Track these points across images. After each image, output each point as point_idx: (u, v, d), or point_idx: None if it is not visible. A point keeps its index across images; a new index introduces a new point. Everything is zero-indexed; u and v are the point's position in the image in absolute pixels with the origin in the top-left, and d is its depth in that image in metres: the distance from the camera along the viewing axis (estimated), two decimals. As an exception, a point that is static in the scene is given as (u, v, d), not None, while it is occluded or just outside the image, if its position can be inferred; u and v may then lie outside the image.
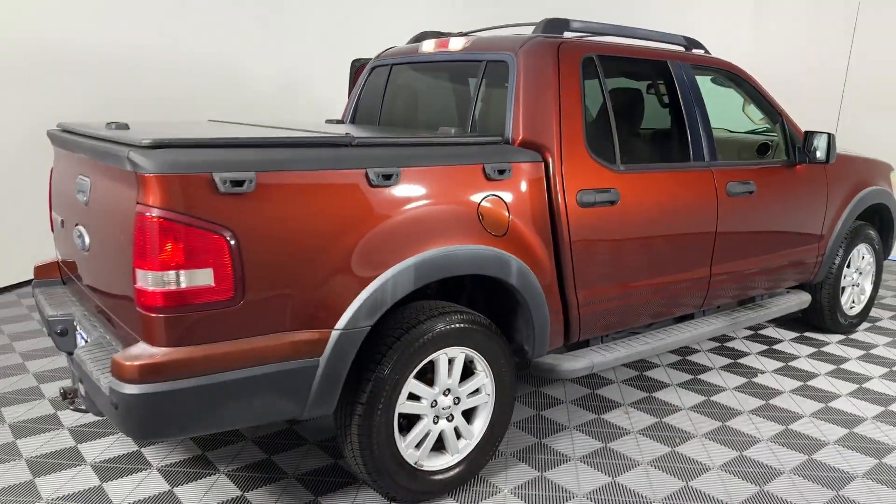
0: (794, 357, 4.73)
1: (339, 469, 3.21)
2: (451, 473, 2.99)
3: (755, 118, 4.82)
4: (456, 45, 3.66)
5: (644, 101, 4.02)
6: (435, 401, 2.88)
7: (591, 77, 3.41)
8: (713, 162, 3.85)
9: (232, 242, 2.36)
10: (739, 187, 3.93)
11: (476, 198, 2.92)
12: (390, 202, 2.69)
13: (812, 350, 4.86)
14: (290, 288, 2.49)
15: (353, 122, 4.34)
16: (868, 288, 5.25)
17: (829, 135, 4.18)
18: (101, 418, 3.10)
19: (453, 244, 2.80)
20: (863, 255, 5.10)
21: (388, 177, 2.67)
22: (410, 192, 2.75)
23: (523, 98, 3.20)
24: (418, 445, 2.89)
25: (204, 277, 2.32)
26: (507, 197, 3.01)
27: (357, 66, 5.88)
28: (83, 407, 2.90)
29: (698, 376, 4.35)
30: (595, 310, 3.39)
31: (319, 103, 7.07)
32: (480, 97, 3.49)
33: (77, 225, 2.91)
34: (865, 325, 5.42)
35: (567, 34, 3.52)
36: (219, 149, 2.42)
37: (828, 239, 4.66)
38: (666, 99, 3.92)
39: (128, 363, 2.30)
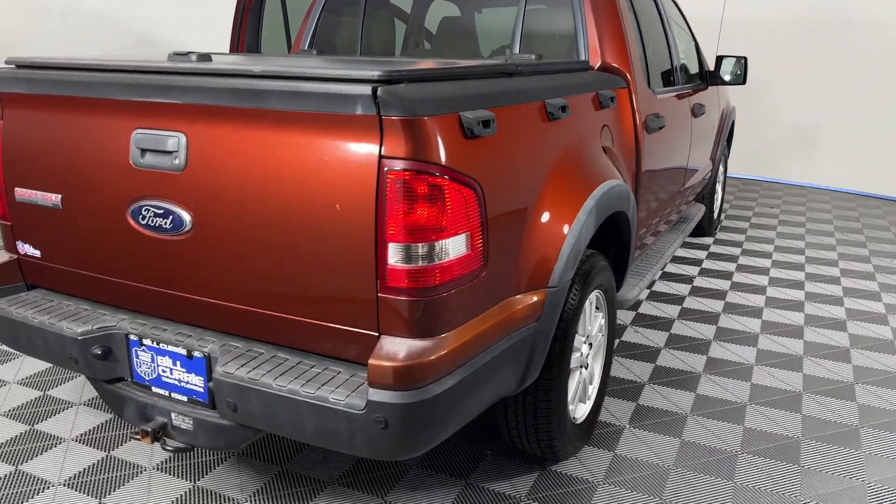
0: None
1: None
2: (586, 420, 2.86)
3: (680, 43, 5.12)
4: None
5: (661, 25, 3.99)
6: (580, 349, 2.70)
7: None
8: (684, 85, 4.06)
9: (481, 199, 1.91)
10: (699, 108, 4.21)
11: (598, 129, 2.73)
12: (567, 138, 2.40)
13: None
14: (516, 246, 2.12)
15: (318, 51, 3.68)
16: (721, 194, 6.05)
17: (745, 58, 4.65)
18: (185, 450, 2.27)
19: (606, 181, 2.59)
20: (721, 170, 5.85)
21: (563, 108, 2.36)
22: (574, 125, 2.47)
23: (599, 19, 3.01)
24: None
25: (460, 245, 1.86)
26: (613, 126, 2.86)
27: None
28: (182, 443, 2.19)
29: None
30: (641, 238, 3.43)
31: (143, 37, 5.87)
32: (525, 19, 3.20)
33: (144, 200, 2.09)
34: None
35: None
36: (458, 82, 1.91)
37: (716, 153, 5.24)
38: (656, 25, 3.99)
39: (399, 365, 1.77)
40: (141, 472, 2.64)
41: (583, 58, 3.03)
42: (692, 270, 5.00)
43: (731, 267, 5.10)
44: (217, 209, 2.00)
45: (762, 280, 4.84)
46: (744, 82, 4.69)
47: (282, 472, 2.65)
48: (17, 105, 2.32)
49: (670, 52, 3.93)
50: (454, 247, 1.82)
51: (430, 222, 1.76)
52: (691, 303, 4.38)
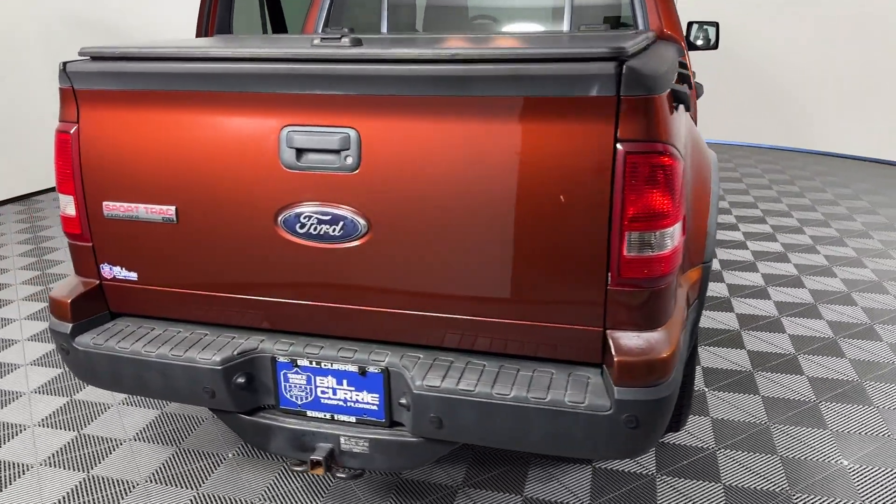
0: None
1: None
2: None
3: None
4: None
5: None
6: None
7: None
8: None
9: (687, 181, 1.87)
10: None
11: (685, 99, 2.74)
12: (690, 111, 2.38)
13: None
14: (690, 224, 2.08)
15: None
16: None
17: (717, 23, 4.80)
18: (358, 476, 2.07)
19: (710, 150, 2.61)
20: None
21: (687, 79, 2.34)
22: (691, 97, 2.46)
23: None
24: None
25: (679, 230, 1.81)
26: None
27: None
28: (355, 468, 2.01)
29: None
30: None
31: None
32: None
33: (301, 206, 1.85)
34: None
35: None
36: (656, 57, 1.83)
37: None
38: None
39: (650, 360, 1.70)
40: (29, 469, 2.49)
41: (641, 27, 3.01)
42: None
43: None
44: (399, 210, 1.81)
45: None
46: (716, 48, 4.87)
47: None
48: (99, 105, 1.97)
49: None
50: (678, 232, 1.77)
51: (664, 208, 1.69)
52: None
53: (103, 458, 2.67)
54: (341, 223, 1.84)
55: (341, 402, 1.98)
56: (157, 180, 1.97)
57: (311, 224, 1.86)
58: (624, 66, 1.59)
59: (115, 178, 2.00)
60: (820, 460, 2.59)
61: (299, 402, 2.01)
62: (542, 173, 1.70)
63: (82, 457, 2.68)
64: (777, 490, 2.43)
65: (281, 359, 1.98)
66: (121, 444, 2.75)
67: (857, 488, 2.43)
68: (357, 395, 1.96)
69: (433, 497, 2.45)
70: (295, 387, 2.00)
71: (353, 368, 1.94)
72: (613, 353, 1.72)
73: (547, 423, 1.75)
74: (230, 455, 2.67)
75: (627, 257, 1.69)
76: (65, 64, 1.96)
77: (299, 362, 1.97)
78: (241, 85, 1.84)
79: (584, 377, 1.81)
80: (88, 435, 2.82)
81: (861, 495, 2.40)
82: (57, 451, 2.71)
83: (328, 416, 2.00)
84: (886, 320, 3.73)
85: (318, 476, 2.53)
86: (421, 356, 1.91)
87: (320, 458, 1.95)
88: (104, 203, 2.02)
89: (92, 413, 2.97)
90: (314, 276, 1.92)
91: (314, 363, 1.96)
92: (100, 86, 1.95)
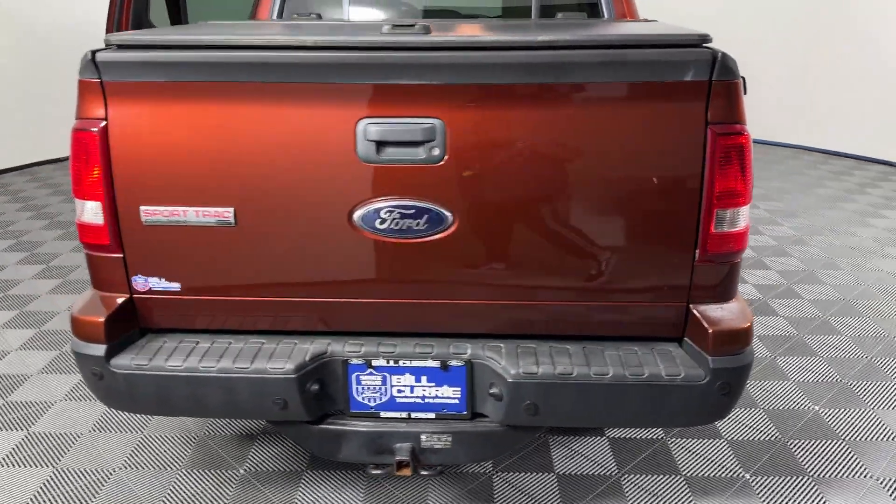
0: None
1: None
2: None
3: None
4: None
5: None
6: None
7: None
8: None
9: None
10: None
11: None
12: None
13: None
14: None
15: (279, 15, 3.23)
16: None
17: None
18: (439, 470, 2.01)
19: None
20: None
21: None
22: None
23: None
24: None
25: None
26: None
27: None
28: (438, 464, 1.98)
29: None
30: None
31: None
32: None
33: (381, 201, 1.78)
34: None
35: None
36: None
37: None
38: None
39: (740, 329, 1.83)
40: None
41: (607, 15, 3.13)
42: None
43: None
44: (485, 200, 1.79)
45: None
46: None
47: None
48: (134, 98, 1.77)
49: None
50: (749, 209, 1.88)
51: (743, 186, 1.80)
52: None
53: None
54: (426, 216, 1.79)
55: (419, 400, 1.93)
56: (211, 181, 1.80)
57: (394, 218, 1.79)
58: (719, 53, 1.67)
59: (155, 179, 1.81)
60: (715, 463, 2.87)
61: (372, 405, 1.94)
62: (635, 157, 1.75)
63: None
64: (729, 475, 2.68)
65: (354, 361, 1.90)
66: None
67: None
68: (437, 391, 1.92)
69: (473, 485, 2.45)
70: (368, 388, 1.93)
71: (433, 364, 1.89)
72: (706, 325, 1.81)
73: (644, 397, 1.82)
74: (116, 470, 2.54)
75: (714, 234, 1.79)
76: (94, 53, 1.74)
77: (374, 363, 1.90)
78: (312, 76, 1.73)
79: (667, 351, 1.90)
80: None
81: (806, 468, 2.70)
82: None
83: (404, 415, 1.95)
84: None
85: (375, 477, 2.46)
86: (502, 345, 1.91)
87: (407, 459, 1.90)
88: (142, 208, 1.82)
89: None
90: (394, 272, 1.86)
91: (391, 362, 1.90)
92: (136, 77, 1.75)
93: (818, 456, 2.59)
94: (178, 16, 4.75)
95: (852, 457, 2.57)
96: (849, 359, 3.25)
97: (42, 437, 2.71)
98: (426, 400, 1.93)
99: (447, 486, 2.44)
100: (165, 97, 1.76)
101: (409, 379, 1.92)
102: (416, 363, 1.90)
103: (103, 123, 1.78)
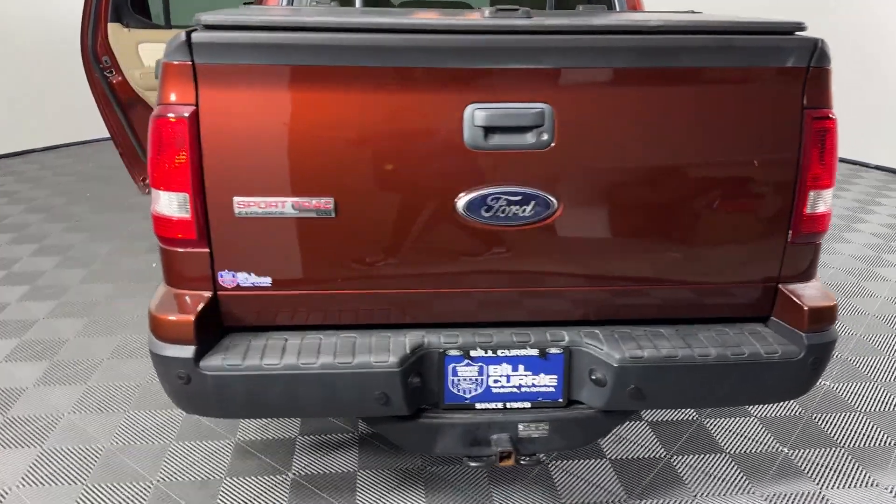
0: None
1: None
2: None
3: None
4: None
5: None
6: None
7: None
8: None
9: None
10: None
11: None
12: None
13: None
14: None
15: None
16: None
17: None
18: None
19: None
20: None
21: None
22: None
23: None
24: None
25: None
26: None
27: None
28: (534, 452, 1.98)
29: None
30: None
31: None
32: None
33: (489, 187, 1.75)
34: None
35: None
36: None
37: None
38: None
39: (832, 305, 1.90)
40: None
41: (618, 7, 3.18)
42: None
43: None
44: (590, 185, 1.79)
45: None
46: None
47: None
48: (228, 83, 1.67)
49: None
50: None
51: (831, 168, 1.87)
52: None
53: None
54: (532, 202, 1.77)
55: (515, 389, 1.91)
56: (310, 169, 1.72)
57: (500, 206, 1.76)
58: (819, 41, 1.73)
59: (250, 169, 1.71)
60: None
61: (468, 396, 1.91)
62: (735, 141, 1.79)
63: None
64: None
65: (451, 352, 1.86)
66: None
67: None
68: (533, 379, 1.91)
69: (531, 475, 2.45)
70: (464, 380, 1.89)
71: (532, 352, 1.88)
72: (801, 303, 1.87)
73: (742, 376, 1.87)
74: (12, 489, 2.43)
75: (807, 214, 1.86)
76: (189, 34, 1.63)
77: (472, 353, 1.86)
78: (422, 60, 1.68)
79: (756, 330, 1.95)
80: None
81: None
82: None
83: (500, 405, 1.92)
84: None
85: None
86: (597, 331, 1.91)
87: (510, 449, 1.87)
88: (235, 199, 1.72)
89: None
90: (497, 260, 1.83)
91: (489, 352, 1.87)
92: (232, 60, 1.65)
93: (842, 427, 2.73)
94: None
95: (872, 427, 2.73)
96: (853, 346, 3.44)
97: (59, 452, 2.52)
98: (522, 389, 1.91)
99: (508, 479, 2.43)
100: (261, 81, 1.67)
101: (505, 368, 1.89)
102: (514, 352, 1.88)
103: (191, 110, 1.67)
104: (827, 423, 2.76)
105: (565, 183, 1.78)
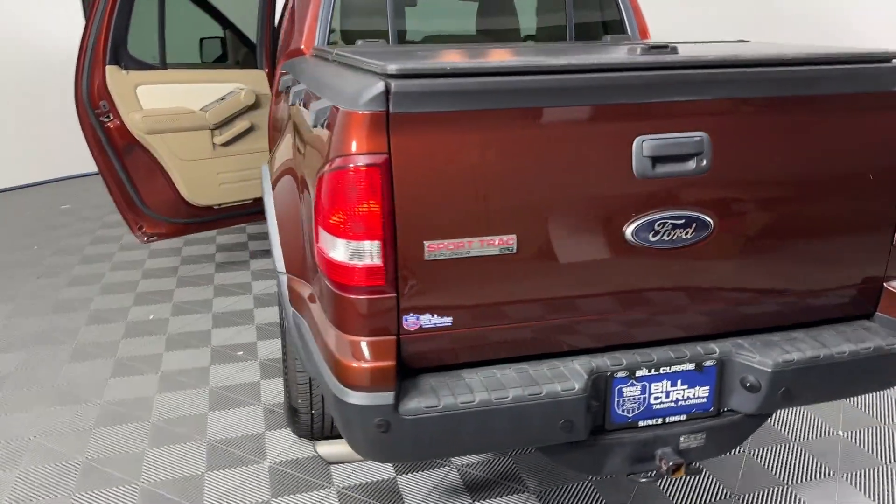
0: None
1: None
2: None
3: None
4: None
5: None
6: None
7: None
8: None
9: None
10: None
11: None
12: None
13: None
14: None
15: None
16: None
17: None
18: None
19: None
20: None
21: None
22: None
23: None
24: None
25: None
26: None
27: None
28: (692, 461, 2.09)
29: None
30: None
31: None
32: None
33: (653, 213, 1.86)
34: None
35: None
36: None
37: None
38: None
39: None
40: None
41: (629, 33, 3.40)
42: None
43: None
44: (741, 205, 1.94)
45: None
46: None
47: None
48: (419, 130, 1.69)
49: None
50: None
51: None
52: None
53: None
54: (693, 225, 1.89)
55: (672, 404, 2.01)
56: (494, 209, 1.76)
57: (665, 229, 1.88)
58: None
59: (439, 213, 1.73)
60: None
61: (630, 415, 1.99)
62: (856, 158, 1.99)
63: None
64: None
65: (619, 374, 1.94)
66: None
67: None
68: (689, 392, 2.02)
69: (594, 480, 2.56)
70: (628, 400, 1.97)
71: (689, 367, 1.99)
72: (911, 298, 2.10)
73: (870, 368, 2.06)
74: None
75: None
76: (388, 84, 1.63)
77: (637, 373, 1.95)
78: (596, 97, 1.78)
79: (867, 326, 2.16)
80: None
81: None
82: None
83: (658, 421, 2.02)
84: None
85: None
86: (741, 341, 2.05)
87: (680, 461, 1.97)
88: (426, 244, 1.73)
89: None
90: (663, 282, 1.93)
91: (652, 371, 1.96)
92: (428, 108, 1.67)
93: (861, 407, 3.02)
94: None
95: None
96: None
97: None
98: (679, 403, 2.02)
99: (609, 490, 2.52)
100: (450, 126, 1.71)
101: (665, 385, 1.99)
102: (674, 368, 1.98)
103: (385, 157, 1.67)
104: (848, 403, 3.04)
105: (720, 204, 1.91)
